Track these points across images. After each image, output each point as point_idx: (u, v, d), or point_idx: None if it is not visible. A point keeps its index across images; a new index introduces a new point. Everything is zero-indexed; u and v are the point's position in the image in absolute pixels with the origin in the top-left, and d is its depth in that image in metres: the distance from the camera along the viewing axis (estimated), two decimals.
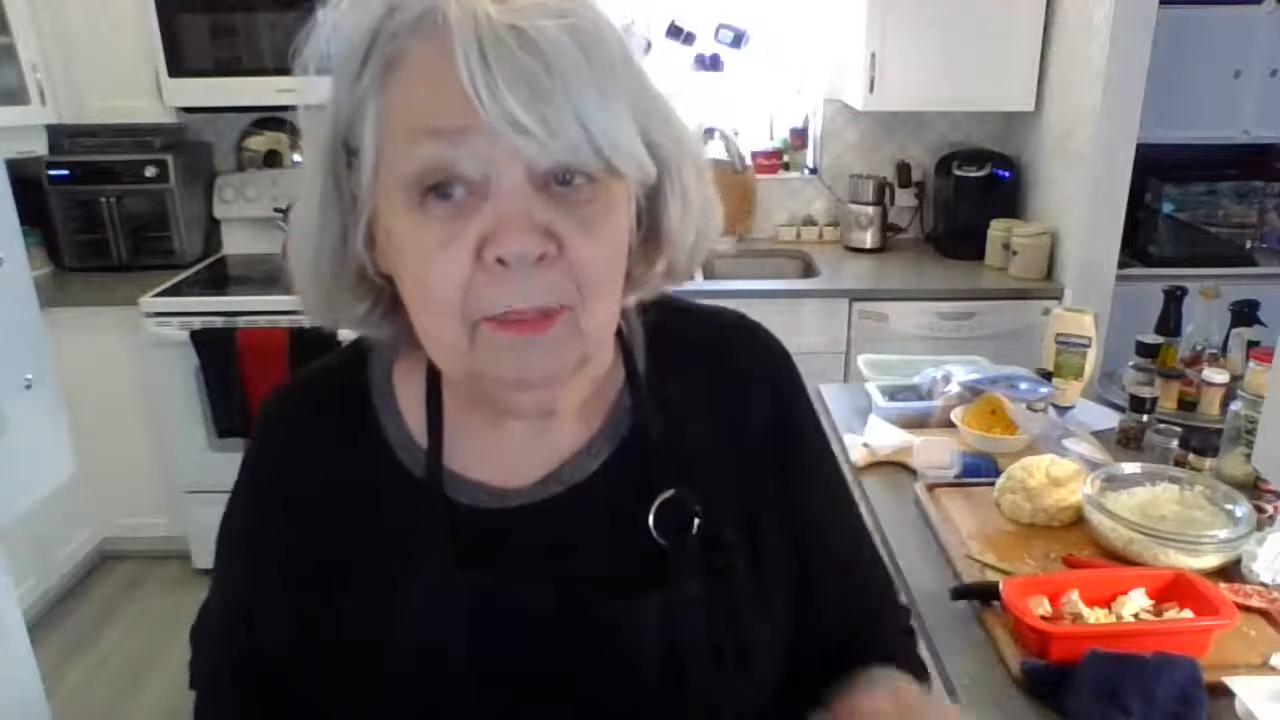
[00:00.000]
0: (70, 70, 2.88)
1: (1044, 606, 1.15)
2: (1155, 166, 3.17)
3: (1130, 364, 1.90)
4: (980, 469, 1.60)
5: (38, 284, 1.96)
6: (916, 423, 1.79)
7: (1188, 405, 1.83)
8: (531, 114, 0.51)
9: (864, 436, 1.73)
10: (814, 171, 3.42)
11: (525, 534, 0.67)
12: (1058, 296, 2.82)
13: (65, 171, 3.01)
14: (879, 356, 2.11)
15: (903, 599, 1.28)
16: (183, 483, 2.95)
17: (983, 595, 1.24)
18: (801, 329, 2.84)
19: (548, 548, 0.66)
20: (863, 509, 1.54)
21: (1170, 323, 1.97)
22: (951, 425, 1.73)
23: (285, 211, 3.04)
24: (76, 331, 2.79)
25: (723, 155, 3.18)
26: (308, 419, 0.72)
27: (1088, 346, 1.89)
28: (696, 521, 0.66)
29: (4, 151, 2.25)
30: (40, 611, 2.83)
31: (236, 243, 3.37)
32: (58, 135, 2.99)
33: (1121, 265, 2.85)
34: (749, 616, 0.68)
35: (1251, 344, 1.77)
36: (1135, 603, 1.16)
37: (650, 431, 0.68)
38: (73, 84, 2.89)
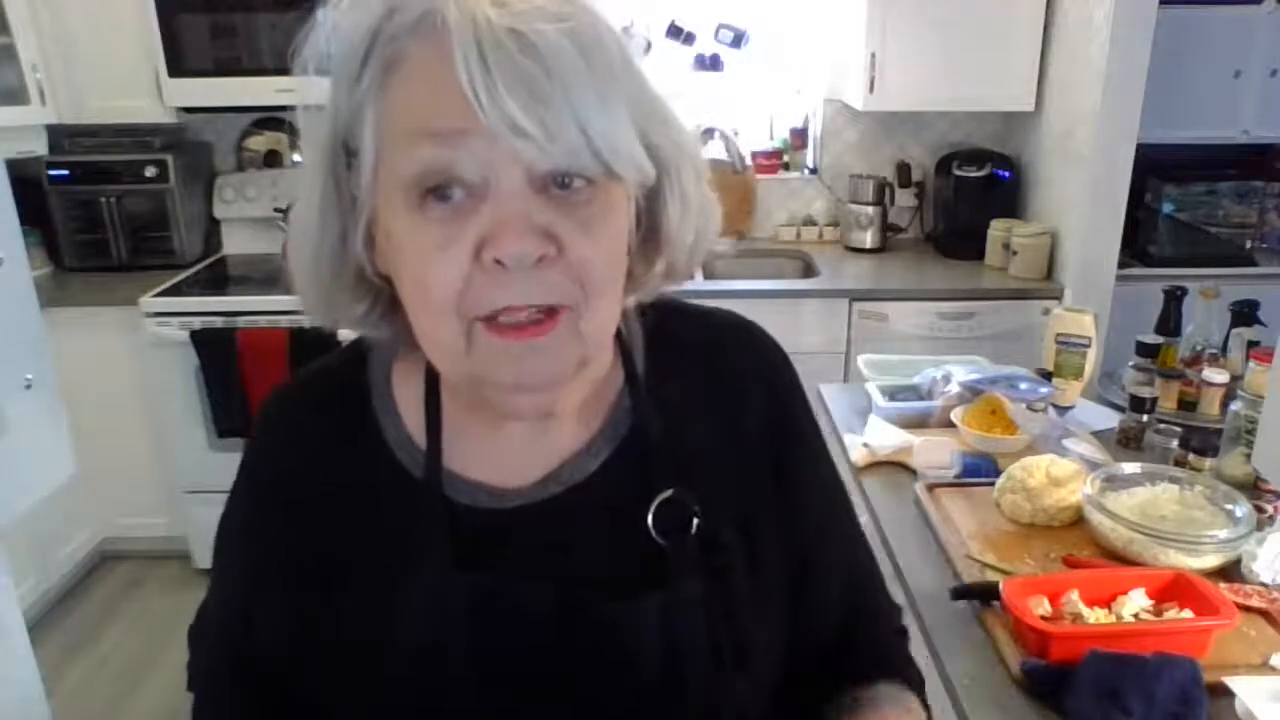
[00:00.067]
0: (70, 70, 2.88)
1: (1044, 606, 1.15)
2: (1155, 166, 3.17)
3: (1130, 364, 1.90)
4: (980, 469, 1.60)
5: (38, 284, 1.97)
6: (916, 423, 1.79)
7: (1188, 405, 1.83)
8: (531, 117, 0.51)
9: (864, 436, 1.73)
10: (814, 171, 3.42)
11: (525, 534, 0.67)
12: (1058, 296, 2.83)
13: (65, 171, 3.01)
14: (879, 356, 2.11)
15: (902, 599, 1.28)
16: (183, 483, 2.95)
17: (983, 595, 1.24)
18: (801, 329, 2.84)
19: (547, 548, 0.66)
20: (863, 509, 1.55)
21: (1170, 323, 1.97)
22: (951, 425, 1.73)
23: (285, 211, 3.04)
24: (76, 331, 2.80)
25: (723, 155, 3.19)
26: (307, 419, 0.72)
27: (1088, 346, 1.89)
28: (695, 521, 0.66)
29: (4, 151, 2.25)
30: (40, 611, 2.83)
31: (236, 243, 3.37)
32: (58, 135, 2.99)
33: (1121, 265, 2.85)
34: (748, 617, 0.68)
35: (1251, 344, 1.77)
36: (1135, 603, 1.16)
37: (650, 432, 0.68)
38: (73, 84, 2.89)
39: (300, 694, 0.69)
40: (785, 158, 3.43)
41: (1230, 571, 1.30)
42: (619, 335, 0.70)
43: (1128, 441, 1.72)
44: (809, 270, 3.15)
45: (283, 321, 2.75)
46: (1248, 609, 1.21)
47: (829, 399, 1.97)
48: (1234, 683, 1.05)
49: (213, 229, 3.35)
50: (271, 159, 3.31)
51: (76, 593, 3.02)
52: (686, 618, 0.64)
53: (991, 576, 1.28)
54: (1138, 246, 3.21)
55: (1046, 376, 1.89)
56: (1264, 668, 1.11)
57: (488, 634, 0.64)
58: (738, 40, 3.19)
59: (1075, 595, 1.16)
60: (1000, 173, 3.12)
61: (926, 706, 0.77)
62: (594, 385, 0.69)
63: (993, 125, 3.29)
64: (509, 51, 0.52)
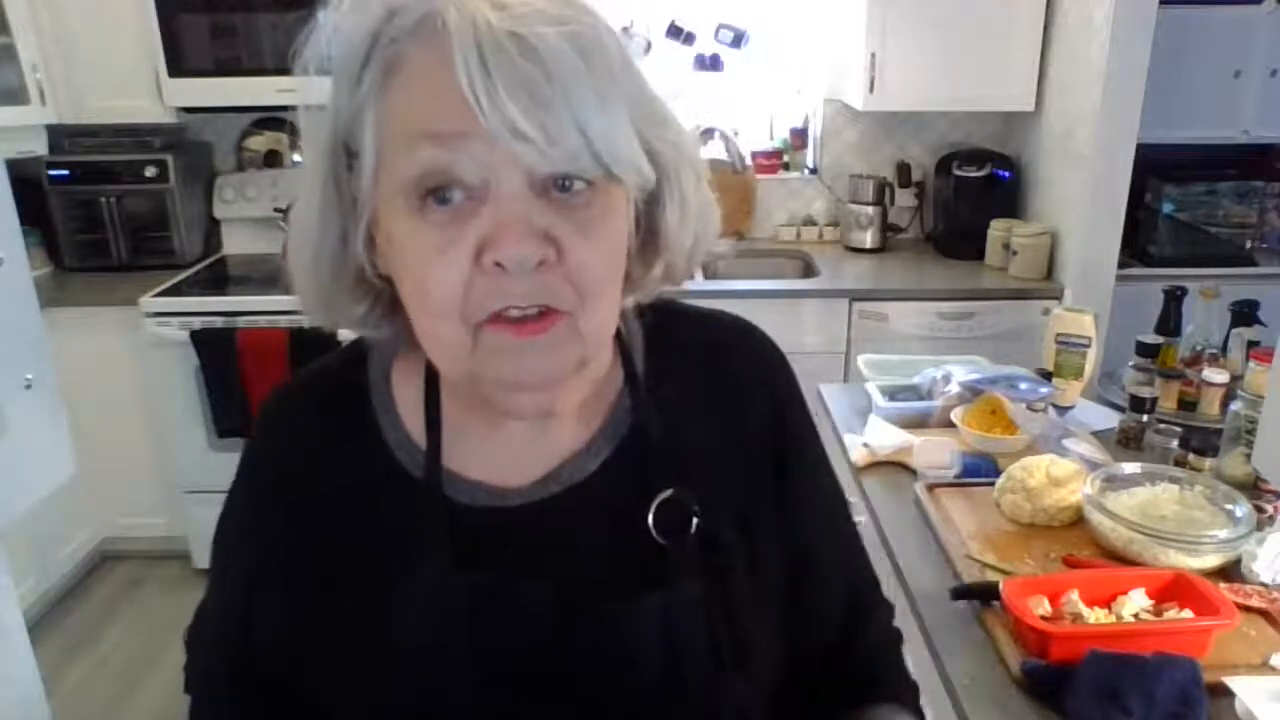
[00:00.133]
0: (70, 70, 2.88)
1: (1044, 606, 1.15)
2: (1155, 166, 3.17)
3: (1130, 364, 1.90)
4: (980, 469, 1.60)
5: (38, 284, 1.97)
6: (916, 423, 1.79)
7: (1188, 405, 1.83)
8: (531, 121, 0.51)
9: (864, 436, 1.73)
10: (814, 171, 3.42)
11: (525, 534, 0.67)
12: (1058, 296, 2.83)
13: (65, 171, 3.01)
14: (879, 356, 2.11)
15: (902, 599, 1.28)
16: (183, 483, 2.95)
17: (983, 595, 1.24)
18: (801, 329, 2.84)
19: (547, 547, 0.66)
20: (863, 509, 1.55)
21: (1170, 323, 1.97)
22: (951, 425, 1.73)
23: (285, 211, 3.04)
24: (76, 331, 2.80)
25: (722, 155, 3.19)
26: (307, 419, 0.72)
27: (1088, 346, 1.89)
28: (695, 521, 0.66)
29: (4, 151, 2.25)
30: (40, 611, 2.83)
31: (236, 243, 3.37)
32: (58, 135, 2.99)
33: (1121, 265, 2.85)
34: (748, 616, 0.68)
35: (1251, 344, 1.77)
36: (1135, 603, 1.16)
37: (650, 431, 0.68)
38: (73, 84, 2.89)
39: (300, 694, 0.69)
40: (785, 158, 3.43)
41: (1230, 571, 1.30)
42: (618, 335, 0.70)
43: (1128, 441, 1.72)
44: (809, 270, 3.15)
45: (283, 321, 2.75)
46: (1248, 609, 1.21)
47: (829, 399, 1.97)
48: (1234, 683, 1.05)
49: (213, 229, 3.35)
50: (271, 159, 3.31)
51: (76, 593, 3.02)
52: (686, 617, 0.64)
53: (991, 576, 1.28)
54: (1138, 246, 3.21)
55: (1046, 376, 1.89)
56: (1264, 668, 1.11)
57: (488, 634, 0.64)
58: (738, 40, 3.19)
59: (1075, 595, 1.16)
60: (1000, 173, 3.12)
61: (921, 717, 0.77)
62: (594, 385, 0.69)
63: (993, 125, 3.29)
64: (509, 55, 0.52)
